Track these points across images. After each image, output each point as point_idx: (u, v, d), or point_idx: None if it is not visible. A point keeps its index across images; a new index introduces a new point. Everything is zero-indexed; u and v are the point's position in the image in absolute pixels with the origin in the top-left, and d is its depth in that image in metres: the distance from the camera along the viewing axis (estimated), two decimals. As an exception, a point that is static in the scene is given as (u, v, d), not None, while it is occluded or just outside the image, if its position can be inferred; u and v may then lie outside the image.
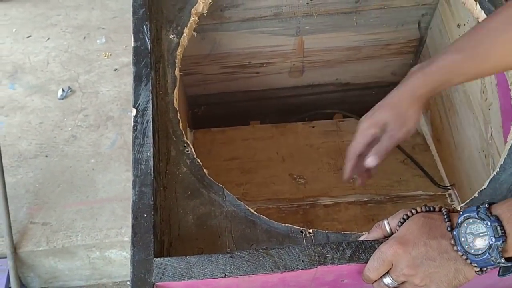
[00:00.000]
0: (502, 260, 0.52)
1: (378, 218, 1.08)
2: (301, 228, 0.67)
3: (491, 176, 0.71)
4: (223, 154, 1.17)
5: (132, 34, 0.79)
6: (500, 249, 0.51)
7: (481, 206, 0.54)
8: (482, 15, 0.86)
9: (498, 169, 0.72)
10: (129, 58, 1.65)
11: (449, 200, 1.10)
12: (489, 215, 0.53)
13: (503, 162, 0.72)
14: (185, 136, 0.74)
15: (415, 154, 1.18)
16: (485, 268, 0.54)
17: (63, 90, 1.47)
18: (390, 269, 0.58)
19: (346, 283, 0.66)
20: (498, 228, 0.52)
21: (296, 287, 0.65)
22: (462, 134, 1.04)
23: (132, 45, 0.78)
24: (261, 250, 0.60)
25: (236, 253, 0.60)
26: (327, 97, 1.32)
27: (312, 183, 1.12)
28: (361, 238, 0.63)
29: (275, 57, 1.20)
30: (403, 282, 0.58)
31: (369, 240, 0.61)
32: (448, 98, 1.10)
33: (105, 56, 1.61)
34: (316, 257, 0.60)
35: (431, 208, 0.60)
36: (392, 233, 0.62)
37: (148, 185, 0.65)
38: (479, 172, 0.98)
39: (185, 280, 0.58)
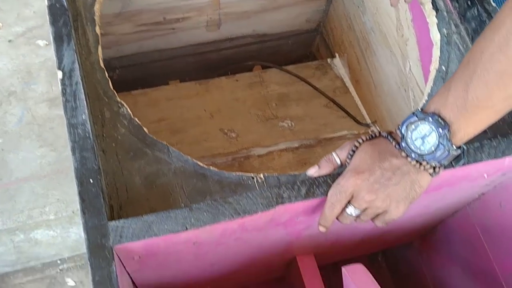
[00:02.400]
0: (454, 147, 0.56)
1: (310, 161, 1.12)
2: (252, 174, 0.67)
3: (421, 105, 0.76)
4: (149, 117, 1.13)
5: (43, -9, 0.72)
6: (448, 137, 0.55)
7: (415, 111, 0.58)
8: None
9: (426, 98, 0.76)
10: (23, 27, 1.52)
11: (373, 137, 1.16)
12: (426, 113, 0.57)
13: (430, 91, 0.76)
14: (117, 96, 0.70)
15: (337, 97, 1.22)
16: (438, 166, 0.58)
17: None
18: (350, 200, 0.60)
19: (300, 220, 0.68)
20: (439, 119, 0.55)
21: (254, 230, 0.66)
22: (380, 73, 1.09)
23: (46, 3, 0.72)
24: (219, 199, 0.60)
25: (194, 205, 0.59)
26: (246, 50, 1.31)
27: (244, 136, 1.13)
28: (311, 173, 0.64)
29: (190, 11, 1.16)
30: (366, 209, 0.60)
31: (322, 176, 0.63)
32: (364, 39, 1.14)
33: (-4, 27, 1.47)
34: (273, 198, 0.61)
35: (373, 135, 0.63)
36: (342, 165, 0.64)
37: (88, 149, 0.61)
38: (400, 106, 1.04)
39: (145, 238, 0.57)
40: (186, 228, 0.57)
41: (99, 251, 0.55)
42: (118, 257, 0.58)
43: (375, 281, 0.65)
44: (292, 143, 1.13)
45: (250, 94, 1.20)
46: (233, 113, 1.16)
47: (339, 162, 0.64)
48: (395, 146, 0.59)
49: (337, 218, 0.62)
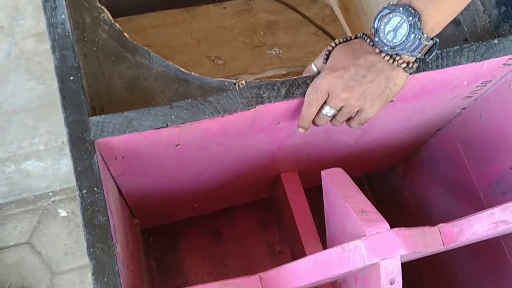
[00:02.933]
0: (425, 36, 0.56)
1: (297, 88, 1.12)
2: (234, 80, 0.68)
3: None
4: (135, 43, 1.12)
5: None
6: (419, 26, 0.56)
7: (387, 5, 0.59)
8: None
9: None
10: (8, -41, 1.48)
11: (360, 65, 1.15)
12: (397, 5, 0.58)
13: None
14: (97, 2, 0.70)
15: (326, 25, 1.20)
16: (412, 62, 0.59)
17: None
18: (326, 99, 0.61)
19: (281, 126, 0.69)
20: (410, 8, 0.56)
21: (235, 134, 0.67)
22: (369, -2, 1.08)
23: None
24: (199, 98, 0.60)
25: (174, 103, 0.59)
26: (234, -22, 1.28)
27: (231, 63, 1.12)
28: None
29: None
30: (341, 108, 0.61)
31: (301, 77, 0.63)
32: (353, -36, 1.12)
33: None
34: (253, 98, 0.61)
35: (348, 38, 0.63)
36: (320, 72, 0.65)
37: (68, 48, 0.61)
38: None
39: (125, 133, 0.57)
40: (167, 125, 0.58)
41: (80, 144, 0.56)
42: (101, 154, 0.59)
43: (352, 181, 0.67)
44: (280, 71, 1.12)
45: (238, 21, 1.19)
46: (220, 41, 1.15)
47: (316, 70, 0.65)
48: (369, 43, 0.59)
49: (313, 122, 0.63)
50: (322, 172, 0.67)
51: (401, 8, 0.57)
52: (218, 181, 0.83)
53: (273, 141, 0.74)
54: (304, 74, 0.67)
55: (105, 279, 0.49)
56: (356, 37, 0.63)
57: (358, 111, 0.62)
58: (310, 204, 0.94)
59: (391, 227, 0.56)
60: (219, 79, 0.68)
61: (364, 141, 0.86)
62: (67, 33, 0.62)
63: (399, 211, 1.12)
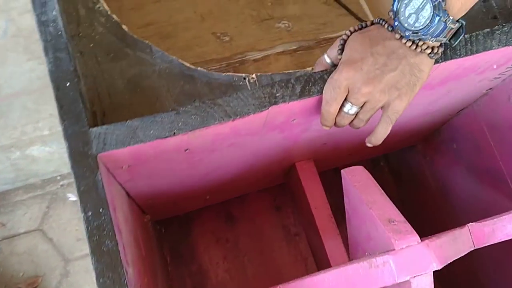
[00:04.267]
0: (450, 18, 0.50)
1: (309, 64, 1.06)
2: (244, 74, 0.62)
3: None
4: (135, 21, 1.06)
5: None
6: (443, 7, 0.50)
7: None
8: None
9: None
10: None
11: (375, 36, 1.09)
12: None
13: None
14: (92, -8, 0.64)
15: (337, -7, 1.13)
16: (437, 46, 0.53)
17: None
18: (347, 96, 0.56)
19: (296, 122, 0.64)
20: None
21: (248, 134, 0.62)
22: (384, -37, 1.00)
23: None
24: (207, 101, 0.55)
25: (181, 108, 0.55)
26: None
27: (238, 39, 1.06)
28: None
29: None
30: (364, 104, 0.56)
31: (317, 72, 0.58)
32: None
33: None
34: (266, 98, 0.56)
35: (363, 25, 0.57)
36: (334, 64, 0.59)
37: (62, 49, 0.56)
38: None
39: (130, 145, 0.53)
40: (174, 133, 0.54)
41: (82, 159, 0.52)
42: (105, 166, 0.55)
43: (376, 182, 0.63)
44: (290, 45, 1.06)
45: (244, -7, 1.11)
46: (225, 15, 1.08)
47: (329, 61, 0.59)
48: (387, 29, 0.54)
49: (336, 123, 0.58)
50: (342, 171, 0.63)
51: None
52: (230, 176, 0.79)
53: (288, 136, 0.69)
54: (317, 67, 0.61)
55: (117, 308, 0.46)
56: (372, 23, 0.57)
57: (383, 106, 0.57)
58: (326, 185, 0.90)
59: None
60: (227, 74, 0.63)
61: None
62: (59, 32, 0.57)
63: (418, 189, 1.08)
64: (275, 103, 0.56)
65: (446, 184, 0.98)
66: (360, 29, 0.58)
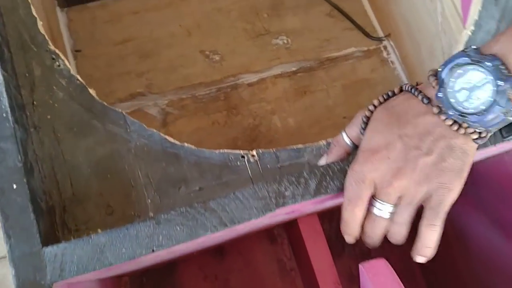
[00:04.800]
0: None
1: (310, 90, 0.94)
2: (242, 152, 0.50)
3: (465, 38, 0.56)
4: (112, 37, 0.91)
5: None
6: (509, 96, 0.38)
7: (468, 49, 0.41)
8: None
9: (472, 28, 0.56)
10: None
11: (384, 54, 0.96)
12: (484, 55, 0.40)
13: (478, 17, 0.56)
14: (50, 43, 0.50)
15: (342, 2, 0.99)
16: (484, 134, 0.42)
17: None
18: (374, 195, 0.44)
19: (307, 208, 0.52)
20: (502, 67, 0.38)
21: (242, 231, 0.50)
22: (399, -25, 0.87)
23: None
24: (197, 205, 0.43)
25: (162, 216, 0.42)
26: None
27: (229, 58, 0.92)
28: (321, 163, 0.47)
29: None
30: (400, 200, 0.44)
31: (336, 163, 0.46)
32: None
33: None
34: (273, 198, 0.44)
35: (390, 94, 0.45)
36: (355, 145, 0.47)
37: (7, 137, 0.43)
38: (423, 19, 0.84)
39: (96, 269, 0.41)
40: (153, 250, 0.42)
41: (33, 291, 0.40)
42: None
43: (399, 281, 0.52)
44: (289, 66, 0.93)
45: (235, 1, 0.97)
46: (215, 29, 0.94)
47: (349, 142, 0.47)
48: (422, 101, 0.42)
49: (364, 231, 0.46)
50: (360, 266, 0.52)
51: (489, 63, 0.39)
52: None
53: (292, 213, 0.57)
54: (333, 149, 0.48)
55: None
56: (401, 90, 0.45)
57: (424, 200, 0.44)
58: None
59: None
60: (221, 151, 0.50)
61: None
62: (4, 114, 0.43)
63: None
64: (283, 204, 0.44)
65: (465, 233, 0.88)
66: (386, 99, 0.45)
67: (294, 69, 0.93)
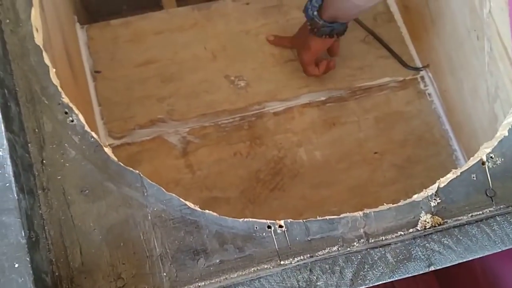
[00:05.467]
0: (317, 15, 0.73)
1: (340, 121, 0.88)
2: (268, 221, 0.45)
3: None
4: (133, 58, 0.87)
5: None
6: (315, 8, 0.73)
7: None
8: None
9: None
10: None
11: (422, 86, 0.90)
12: None
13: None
14: (63, 95, 0.46)
15: (378, 27, 0.93)
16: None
17: None
18: None
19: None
20: None
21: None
22: (443, 5, 0.80)
23: None
24: (216, 295, 0.38)
25: (178, 305, 0.38)
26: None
27: (255, 85, 0.87)
28: None
29: None
30: None
31: (377, 247, 0.41)
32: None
33: None
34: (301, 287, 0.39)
35: None
36: None
37: (11, 210, 0.39)
38: (465, 54, 0.77)
39: None
40: None
41: None
42: None
43: None
44: (318, 95, 0.88)
45: (264, 24, 0.92)
46: (241, 53, 0.89)
47: None
48: None
49: None
50: None
51: None
52: None
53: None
54: None
55: None
56: None
57: None
58: None
59: None
60: (245, 220, 0.45)
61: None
62: (8, 183, 0.39)
63: (461, 277, 0.93)
64: (314, 294, 0.39)
65: (498, 280, 0.82)
66: None
67: (323, 98, 0.88)
